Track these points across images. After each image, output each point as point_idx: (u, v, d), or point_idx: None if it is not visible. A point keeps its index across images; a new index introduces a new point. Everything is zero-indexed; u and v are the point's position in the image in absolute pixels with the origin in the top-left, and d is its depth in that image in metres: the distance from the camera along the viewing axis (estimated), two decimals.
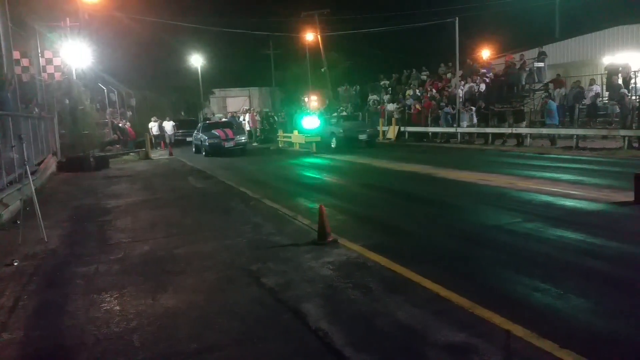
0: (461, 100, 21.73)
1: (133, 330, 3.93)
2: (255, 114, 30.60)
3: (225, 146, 20.54)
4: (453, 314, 3.91)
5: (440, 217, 7.75)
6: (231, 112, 36.33)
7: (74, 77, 20.80)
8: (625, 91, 16.74)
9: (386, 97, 27.79)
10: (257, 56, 44.93)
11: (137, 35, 29.60)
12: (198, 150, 22.27)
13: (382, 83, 29.77)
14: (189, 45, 37.86)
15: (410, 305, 4.13)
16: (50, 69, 19.78)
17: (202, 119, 32.57)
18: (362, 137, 20.83)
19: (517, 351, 3.32)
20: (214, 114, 38.35)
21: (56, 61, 19.93)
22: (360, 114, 27.29)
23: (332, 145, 20.81)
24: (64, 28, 20.33)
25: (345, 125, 21.73)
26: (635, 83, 17.72)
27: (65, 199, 10.75)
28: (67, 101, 21.13)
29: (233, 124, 24.76)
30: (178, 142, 27.44)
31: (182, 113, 36.54)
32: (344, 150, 19.20)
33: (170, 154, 22.45)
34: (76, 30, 20.64)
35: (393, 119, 24.62)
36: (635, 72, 17.82)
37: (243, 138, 21.64)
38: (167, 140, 26.87)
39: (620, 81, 17.70)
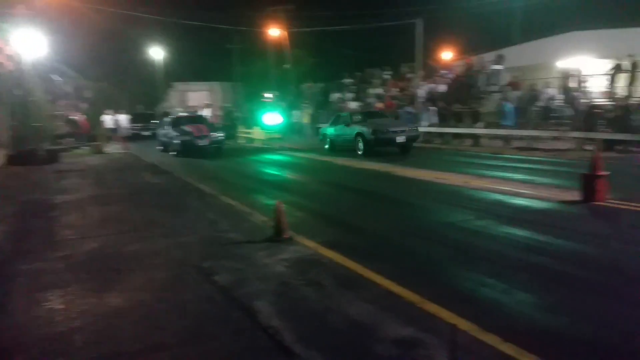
0: (422, 100, 22.10)
1: (76, 330, 3.79)
2: (216, 108, 30.13)
3: (199, 144, 17.65)
4: (402, 310, 3.96)
5: (395, 214, 7.86)
6: (191, 107, 35.50)
7: (27, 67, 19.88)
8: (577, 94, 17.44)
9: (349, 95, 27.94)
10: (221, 50, 44.23)
11: (95, 25, 28.52)
12: (165, 149, 19.47)
13: (345, 81, 29.91)
14: (150, 37, 36.92)
15: (361, 301, 4.15)
16: (1, 58, 18.80)
17: (161, 113, 31.71)
18: (400, 139, 16.12)
19: (461, 344, 3.40)
20: (174, 108, 37.41)
21: (7, 50, 18.97)
22: (325, 111, 27.27)
23: (359, 152, 16.25)
24: (16, 15, 19.38)
25: (375, 123, 16.71)
26: (586, 87, 18.48)
27: (12, 194, 10.26)
28: (18, 92, 20.17)
29: (206, 119, 22.80)
30: (134, 136, 26.69)
31: (141, 106, 35.49)
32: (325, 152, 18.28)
33: (127, 148, 21.79)
34: (30, 18, 19.72)
35: None
36: (586, 76, 18.58)
37: (220, 135, 18.64)
38: (122, 134, 26.05)
39: (573, 85, 18.42)
